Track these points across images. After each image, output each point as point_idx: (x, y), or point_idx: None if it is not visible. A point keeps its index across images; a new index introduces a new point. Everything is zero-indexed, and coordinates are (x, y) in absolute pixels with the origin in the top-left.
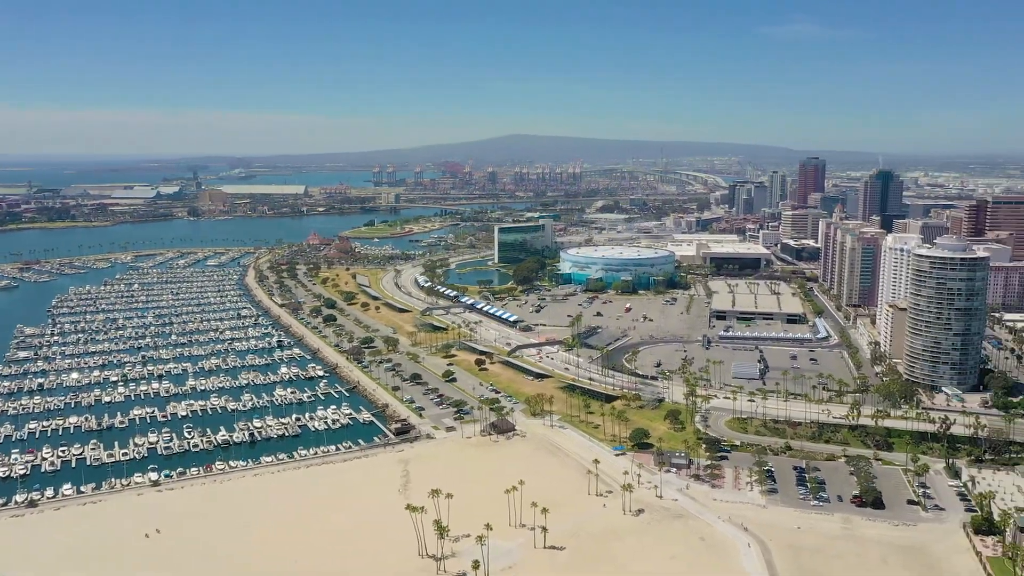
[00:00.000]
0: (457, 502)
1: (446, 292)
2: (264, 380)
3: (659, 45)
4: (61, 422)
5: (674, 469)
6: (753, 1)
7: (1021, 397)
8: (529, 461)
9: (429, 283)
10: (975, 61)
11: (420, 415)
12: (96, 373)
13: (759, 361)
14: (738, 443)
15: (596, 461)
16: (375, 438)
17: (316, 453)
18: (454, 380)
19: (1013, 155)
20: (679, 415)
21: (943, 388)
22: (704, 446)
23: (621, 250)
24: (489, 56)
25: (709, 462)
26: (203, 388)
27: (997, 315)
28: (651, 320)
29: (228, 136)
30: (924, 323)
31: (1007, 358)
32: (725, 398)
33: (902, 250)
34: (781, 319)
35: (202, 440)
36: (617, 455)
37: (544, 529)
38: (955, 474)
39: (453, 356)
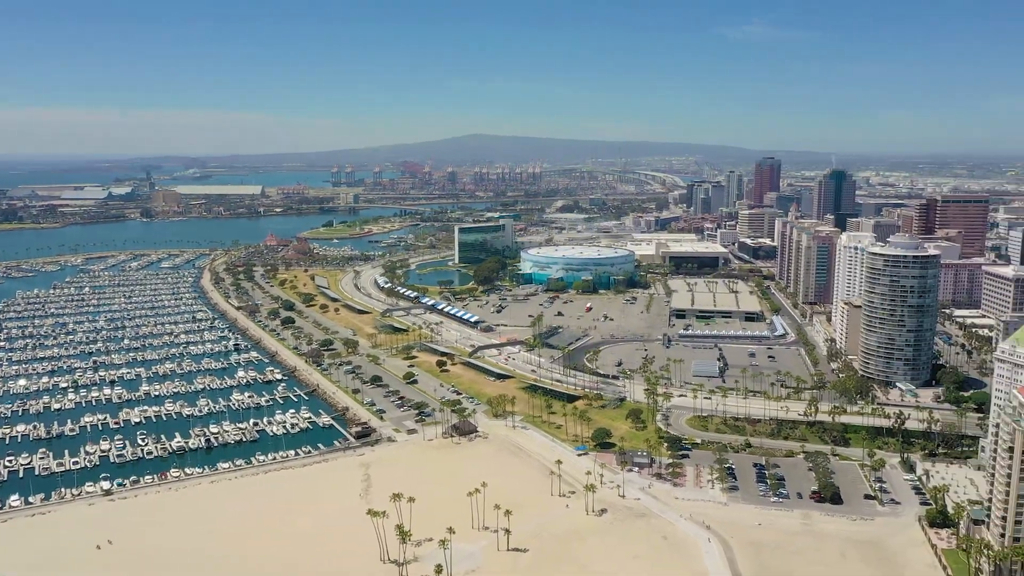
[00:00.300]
0: (419, 505)
1: (406, 293)
2: (221, 384)
3: (618, 46)
4: (8, 431)
5: (636, 468)
6: (710, 3)
7: (972, 391)
8: (492, 463)
9: (389, 284)
10: (923, 64)
11: (381, 418)
12: (45, 379)
13: (719, 359)
14: (699, 441)
15: (559, 462)
16: (335, 442)
17: (275, 458)
18: (415, 382)
19: (959, 155)
20: (641, 414)
21: (897, 384)
22: (666, 445)
23: (581, 250)
24: (448, 56)
25: (671, 461)
26: (157, 393)
27: (947, 311)
28: (612, 319)
29: (183, 136)
30: (878, 320)
31: (958, 353)
32: (686, 396)
33: (856, 248)
34: (739, 317)
35: (156, 447)
36: (580, 455)
37: (507, 531)
38: (910, 468)
39: (414, 358)
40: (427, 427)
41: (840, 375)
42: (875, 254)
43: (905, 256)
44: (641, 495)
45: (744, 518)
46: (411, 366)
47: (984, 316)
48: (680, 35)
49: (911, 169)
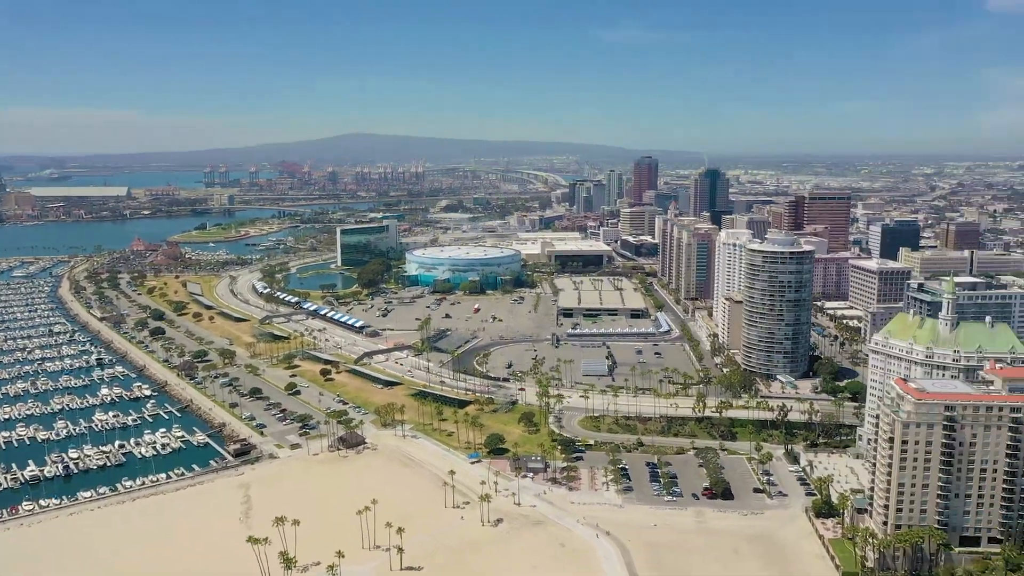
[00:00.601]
0: (305, 528)
1: (287, 298)
2: (81, 404)
3: (499, 46)
4: None
5: (531, 474)
6: (586, 5)
7: (847, 381)
8: (382, 476)
9: (268, 289)
10: (786, 66)
11: (262, 433)
12: None
13: (607, 358)
14: (592, 442)
15: (452, 472)
16: (212, 462)
17: (144, 483)
18: (298, 393)
19: (818, 154)
20: (533, 417)
21: (778, 376)
22: (559, 448)
23: (468, 250)
24: (322, 54)
25: (565, 464)
26: (7, 417)
27: (819, 304)
28: (500, 320)
29: (38, 135)
30: (759, 315)
31: (831, 344)
32: (578, 397)
33: (735, 245)
34: (625, 314)
35: (6, 477)
36: (473, 463)
37: (400, 549)
38: (794, 459)
39: (296, 367)
40: (312, 441)
41: (724, 370)
42: (754, 251)
43: (782, 252)
44: (537, 502)
45: (640, 519)
46: (293, 376)
47: (852, 307)
48: (555, 36)
49: (776, 167)
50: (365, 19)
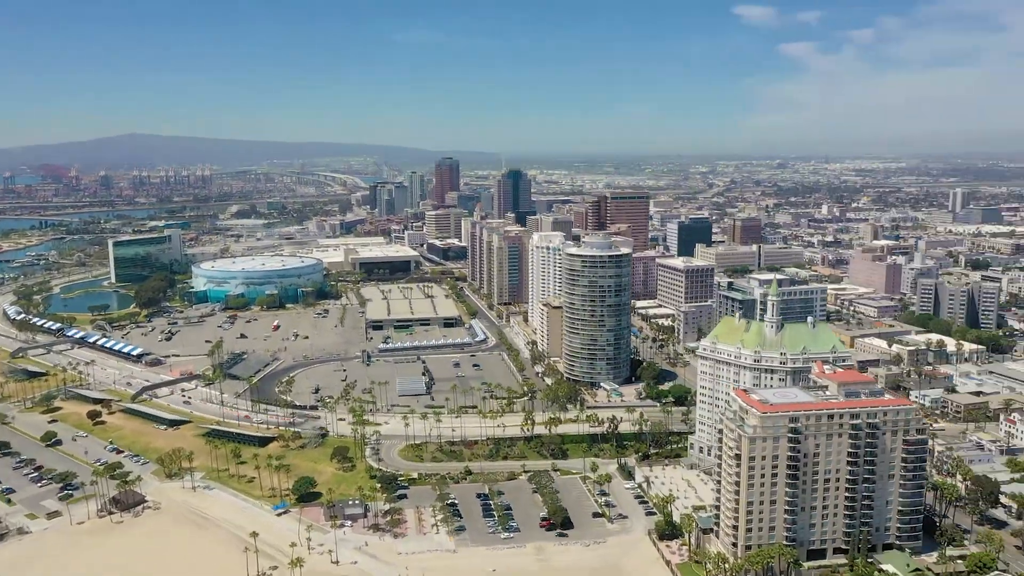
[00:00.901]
0: None
1: (47, 325)
2: None
3: (289, 44)
4: None
5: (349, 522)
6: (380, 7)
7: (669, 385)
8: (167, 544)
9: (23, 315)
10: (574, 71)
11: (9, 501)
12: None
13: (424, 373)
14: (416, 475)
15: (255, 533)
16: None
17: None
18: (59, 443)
19: (608, 154)
20: (347, 451)
21: (602, 384)
22: (380, 486)
23: (263, 260)
24: (82, 51)
25: (388, 506)
26: None
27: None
28: (304, 337)
29: None
30: (580, 321)
31: (650, 347)
32: (397, 422)
33: (548, 248)
34: (438, 324)
35: None
36: (280, 514)
37: None
38: (629, 475)
39: (57, 410)
40: (76, 505)
41: (546, 379)
42: (573, 255)
43: (601, 256)
44: (359, 556)
45: (477, 564)
46: (53, 422)
47: (661, 306)
48: (351, 35)
49: (569, 167)
50: (123, 21)
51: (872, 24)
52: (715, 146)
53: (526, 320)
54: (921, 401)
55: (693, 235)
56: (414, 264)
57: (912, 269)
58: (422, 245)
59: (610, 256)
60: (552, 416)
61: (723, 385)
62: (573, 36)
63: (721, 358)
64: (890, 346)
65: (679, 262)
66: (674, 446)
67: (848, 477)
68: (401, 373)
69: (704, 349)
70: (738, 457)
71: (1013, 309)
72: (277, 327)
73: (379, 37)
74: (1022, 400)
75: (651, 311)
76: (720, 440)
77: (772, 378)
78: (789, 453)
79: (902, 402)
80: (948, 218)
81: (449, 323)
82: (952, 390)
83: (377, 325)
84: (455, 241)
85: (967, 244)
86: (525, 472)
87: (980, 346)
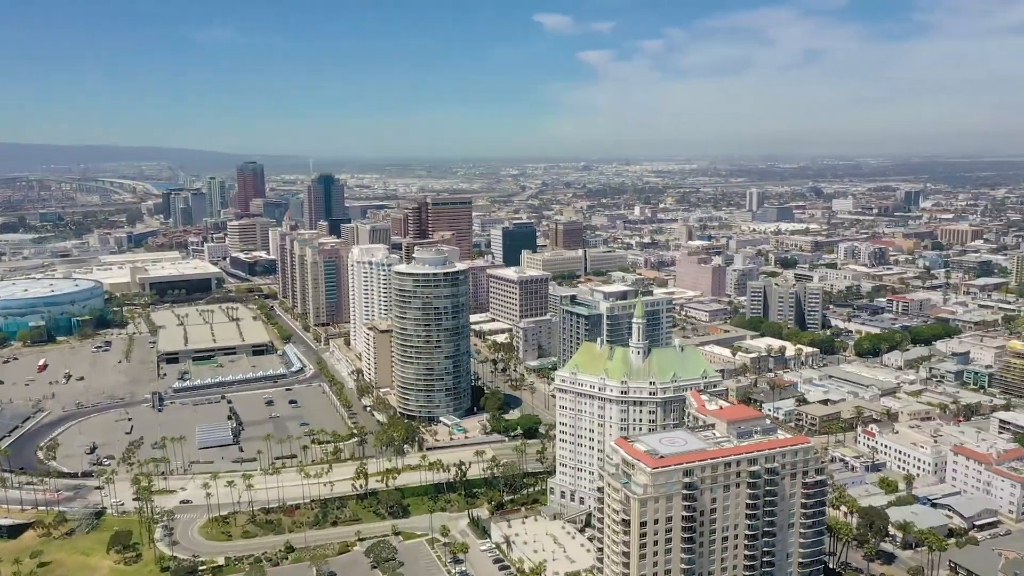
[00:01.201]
0: None
1: None
2: None
3: (66, 38)
4: None
5: None
6: (173, 2)
7: (516, 414)
8: None
9: None
10: (380, 73)
11: None
12: None
13: (230, 417)
14: (223, 560)
15: None
16: None
17: None
18: None
19: (419, 158)
20: (130, 536)
21: (442, 419)
22: None
23: (27, 285)
24: None
25: None
26: None
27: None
28: (79, 379)
29: None
30: (414, 348)
31: (491, 370)
32: (197, 488)
33: (371, 264)
34: (246, 352)
35: None
36: None
37: None
38: (483, 531)
39: None
40: None
41: (376, 414)
42: (403, 274)
43: (436, 274)
44: None
45: None
46: None
47: (495, 319)
48: (141, 32)
49: (381, 171)
50: None
51: (660, 35)
52: (524, 149)
53: (348, 343)
54: (774, 414)
55: (518, 241)
56: (216, 282)
57: (735, 271)
58: (224, 259)
59: (445, 274)
60: (389, 467)
61: (586, 421)
62: (380, 39)
63: (583, 390)
64: (734, 355)
65: (511, 273)
66: (531, 489)
67: (747, 532)
68: (202, 418)
69: (563, 381)
70: (626, 523)
71: (831, 307)
72: (44, 367)
73: (173, 33)
74: (870, 406)
75: (485, 327)
76: (600, 500)
77: (641, 411)
78: (684, 513)
79: (799, 440)
80: (748, 216)
81: (259, 350)
82: (803, 400)
83: (172, 358)
84: (262, 254)
85: (772, 242)
86: (360, 541)
87: (814, 349)
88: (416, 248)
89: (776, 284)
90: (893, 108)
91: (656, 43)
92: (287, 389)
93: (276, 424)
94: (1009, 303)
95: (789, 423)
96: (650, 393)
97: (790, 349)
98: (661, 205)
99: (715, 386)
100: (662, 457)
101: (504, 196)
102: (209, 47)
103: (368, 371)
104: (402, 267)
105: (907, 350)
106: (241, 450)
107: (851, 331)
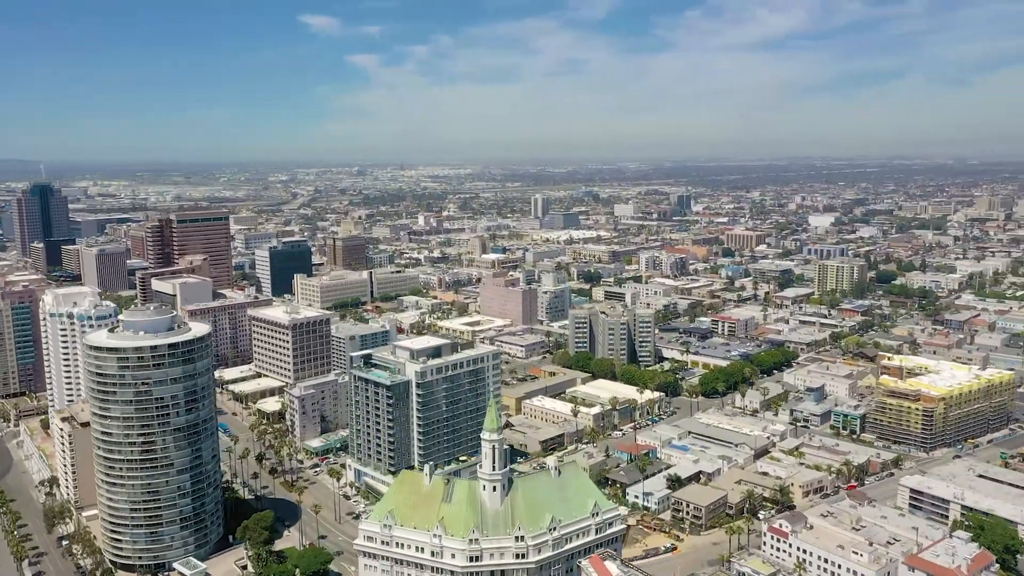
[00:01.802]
0: None
1: None
2: None
3: None
4: None
5: None
6: None
7: (290, 535)
8: None
9: None
10: (138, 72)
11: None
12: None
13: None
14: None
15: None
16: None
17: None
18: None
19: (178, 163)
20: None
21: (176, 565)
22: None
23: None
24: None
25: None
26: None
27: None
28: None
29: None
30: (126, 463)
31: (257, 455)
32: None
33: (71, 317)
34: None
35: None
36: None
37: None
38: None
39: None
40: None
41: (78, 559)
42: (102, 349)
43: (157, 348)
44: None
45: None
46: None
47: (261, 375)
48: None
49: (131, 177)
50: None
51: (427, 41)
52: (294, 154)
53: (47, 429)
54: (644, 503)
55: (289, 263)
56: None
57: (546, 292)
58: None
59: (172, 346)
60: None
61: None
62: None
63: (406, 556)
64: (575, 413)
65: (281, 313)
66: None
67: None
68: None
69: (370, 539)
70: None
71: (658, 332)
72: None
73: None
74: (752, 479)
75: (247, 387)
76: None
77: None
78: None
79: None
80: (536, 224)
81: None
82: (675, 479)
83: None
84: None
85: (568, 253)
86: None
87: (660, 393)
88: (132, 304)
89: (603, 313)
90: (646, 116)
91: (424, 49)
92: None
93: None
94: (827, 316)
95: (663, 516)
96: (518, 555)
97: (634, 395)
98: (445, 212)
99: (610, 525)
100: None
101: (273, 205)
102: None
103: (66, 484)
104: (100, 338)
105: (754, 384)
106: None
107: (688, 364)
